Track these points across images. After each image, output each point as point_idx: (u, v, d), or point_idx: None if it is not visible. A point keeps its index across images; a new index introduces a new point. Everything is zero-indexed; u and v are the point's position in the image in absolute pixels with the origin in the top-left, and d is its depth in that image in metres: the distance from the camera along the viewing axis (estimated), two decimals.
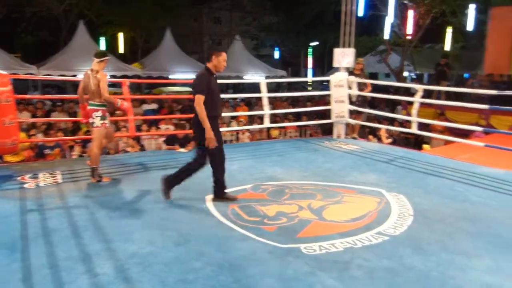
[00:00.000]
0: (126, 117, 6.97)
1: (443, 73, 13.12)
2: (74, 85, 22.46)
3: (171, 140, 7.66)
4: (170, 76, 19.75)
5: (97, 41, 20.18)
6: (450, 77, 14.27)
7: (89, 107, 5.11)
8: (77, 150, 7.93)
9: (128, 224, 3.80)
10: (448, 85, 12.85)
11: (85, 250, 3.25)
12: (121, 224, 3.80)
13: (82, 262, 3.06)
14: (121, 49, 23.47)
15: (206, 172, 5.59)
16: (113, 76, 19.39)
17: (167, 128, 8.95)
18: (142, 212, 4.10)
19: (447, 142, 8.05)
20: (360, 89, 8.03)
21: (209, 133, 4.18)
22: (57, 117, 10.56)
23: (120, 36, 23.29)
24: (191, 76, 21.27)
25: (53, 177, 5.28)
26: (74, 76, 15.92)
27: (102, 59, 5.11)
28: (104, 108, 5.12)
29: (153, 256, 3.17)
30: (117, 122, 9.51)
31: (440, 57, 13.92)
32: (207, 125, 4.17)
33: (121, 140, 8.23)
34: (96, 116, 5.07)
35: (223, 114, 11.65)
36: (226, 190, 4.51)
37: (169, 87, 19.22)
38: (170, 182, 4.47)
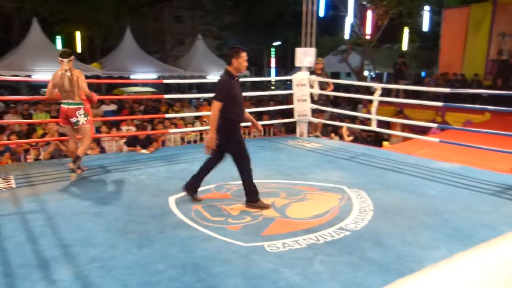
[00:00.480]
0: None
1: (401, 72, 13.55)
2: (29, 86, 21.69)
3: (132, 141, 7.51)
4: (131, 76, 19.36)
5: (52, 40, 19.49)
6: (407, 76, 14.74)
7: (69, 106, 5.13)
8: (32, 153, 7.63)
9: (88, 228, 3.69)
10: (406, 84, 13.26)
11: (41, 256, 3.13)
12: (81, 228, 3.68)
13: (38, 268, 2.94)
14: (78, 48, 22.80)
15: (167, 173, 5.55)
16: None
17: (128, 129, 8.77)
18: (102, 215, 4.00)
19: (406, 139, 8.32)
20: (322, 88, 8.15)
21: (211, 133, 4.17)
22: (10, 120, 10.13)
23: (77, 35, 22.63)
24: (152, 76, 20.98)
25: (7, 182, 5.06)
26: (29, 76, 15.33)
27: (71, 58, 5.16)
28: (83, 105, 5.23)
29: (115, 259, 3.09)
30: None
31: (398, 57, 14.36)
32: (212, 126, 4.15)
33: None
34: (80, 114, 5.17)
35: (188, 114, 11.59)
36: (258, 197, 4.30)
37: (130, 87, 18.85)
38: (192, 184, 4.43)
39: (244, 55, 4.28)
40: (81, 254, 3.17)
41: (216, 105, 4.12)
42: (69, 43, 23.29)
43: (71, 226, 3.72)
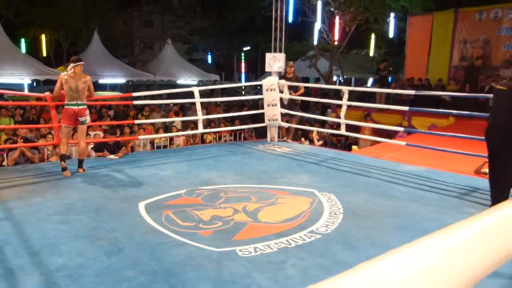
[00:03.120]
0: (50, 124, 6.67)
1: (384, 78, 13.73)
2: None
3: (100, 147, 7.36)
4: (100, 81, 18.99)
5: (17, 43, 18.92)
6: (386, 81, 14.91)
7: (79, 107, 5.61)
8: None
9: (55, 235, 3.58)
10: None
11: (6, 265, 3.02)
12: (48, 235, 3.57)
13: (3, 278, 2.84)
14: (44, 52, 22.21)
15: (137, 178, 5.47)
16: (36, 81, 18.32)
17: (95, 135, 8.59)
18: (70, 222, 3.90)
19: (374, 143, 8.49)
20: (293, 92, 8.22)
21: None
22: None
23: (43, 38, 22.05)
24: (121, 80, 20.64)
25: None
26: None
27: (81, 62, 5.72)
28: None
29: (83, 267, 3.02)
30: (39, 130, 9.01)
31: (380, 62, 14.47)
32: None
33: (45, 148, 7.78)
34: (87, 114, 5.78)
35: (158, 120, 11.45)
36: None
37: (98, 92, 18.47)
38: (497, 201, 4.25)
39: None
40: (48, 262, 3.08)
41: None
42: (34, 46, 22.67)
43: (37, 233, 3.61)
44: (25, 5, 21.06)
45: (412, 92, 8.15)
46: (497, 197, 4.11)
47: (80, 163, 5.80)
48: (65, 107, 5.65)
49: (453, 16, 14.39)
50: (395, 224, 4.03)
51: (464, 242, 0.97)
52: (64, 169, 5.57)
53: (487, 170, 5.91)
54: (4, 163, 7.08)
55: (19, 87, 20.41)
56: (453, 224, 1.06)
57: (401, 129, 7.85)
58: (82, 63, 5.73)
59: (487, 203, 4.70)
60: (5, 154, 7.27)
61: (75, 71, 5.63)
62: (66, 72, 5.72)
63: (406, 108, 7.79)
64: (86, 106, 5.76)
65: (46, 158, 7.61)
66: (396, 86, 15.32)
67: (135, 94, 7.61)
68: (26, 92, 17.87)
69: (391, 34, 18.21)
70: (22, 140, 7.81)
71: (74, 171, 5.75)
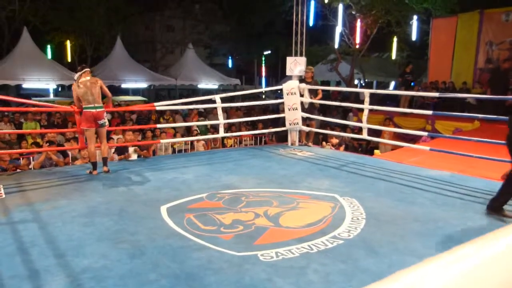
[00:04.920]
0: (75, 128, 6.82)
1: (408, 82, 13.51)
2: (19, 95, 21.54)
3: (122, 150, 7.47)
4: (122, 85, 19.32)
5: (43, 49, 19.41)
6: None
7: (97, 110, 5.82)
8: (22, 162, 7.55)
9: (79, 237, 3.65)
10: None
11: (32, 267, 3.09)
12: (72, 238, 3.64)
13: (29, 279, 2.90)
14: (69, 58, 22.72)
15: (158, 182, 5.52)
16: (61, 86, 18.74)
17: (119, 139, 8.72)
18: (94, 224, 3.96)
19: (396, 147, 8.37)
20: (314, 97, 8.19)
21: None
22: (1, 129, 10.03)
23: (68, 44, 22.56)
24: (142, 85, 20.92)
25: None
26: (19, 85, 15.27)
27: (86, 69, 5.91)
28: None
29: (107, 269, 3.06)
30: (64, 134, 9.21)
31: (405, 65, 14.28)
32: None
33: (70, 152, 7.94)
34: (105, 116, 5.99)
35: (179, 125, 11.57)
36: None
37: (120, 96, 18.78)
38: (497, 201, 4.39)
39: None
40: (73, 264, 3.13)
41: None
42: (60, 52, 23.21)
43: (62, 235, 3.68)
44: (51, 12, 21.59)
45: (436, 94, 7.98)
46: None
47: (105, 161, 6.02)
48: (84, 110, 5.83)
49: (478, 17, 14.11)
50: (418, 230, 3.96)
51: (501, 253, 0.94)
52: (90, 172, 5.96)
53: None
54: (31, 166, 7.26)
55: (45, 92, 20.94)
56: (490, 233, 1.02)
57: (425, 133, 7.72)
58: (88, 69, 5.95)
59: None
60: (31, 158, 7.46)
61: (84, 77, 5.82)
62: (76, 82, 5.91)
63: (429, 112, 7.66)
64: (103, 109, 5.94)
65: (70, 161, 7.77)
66: (419, 89, 15.09)
67: (156, 104, 7.41)
68: (51, 96, 18.28)
69: (413, 37, 17.97)
70: (47, 144, 7.99)
71: (99, 171, 5.93)
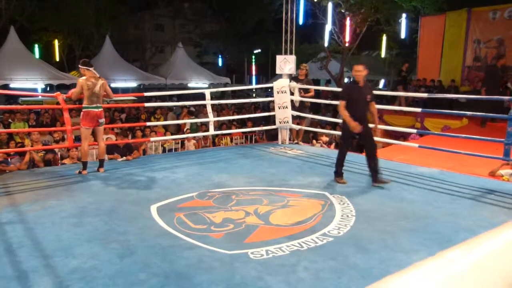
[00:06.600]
0: (63, 127, 6.76)
1: (406, 78, 13.58)
2: (6, 95, 21.26)
3: (111, 150, 7.41)
4: (112, 85, 19.16)
5: (31, 48, 19.19)
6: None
7: (99, 110, 5.88)
8: (12, 162, 7.44)
9: (68, 238, 3.62)
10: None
11: (20, 268, 3.05)
12: (61, 238, 3.61)
13: (17, 280, 2.87)
14: (57, 57, 22.50)
15: (148, 181, 5.50)
16: (49, 85, 18.56)
17: (108, 138, 8.65)
18: (83, 225, 3.93)
19: (386, 145, 8.42)
20: (304, 94, 8.20)
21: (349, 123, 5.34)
22: None
23: (56, 43, 22.34)
24: (132, 84, 20.79)
25: None
26: (6, 84, 15.08)
27: (92, 67, 5.96)
28: None
29: (96, 270, 3.04)
30: (52, 133, 9.11)
31: (401, 63, 14.34)
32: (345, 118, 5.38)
33: (59, 151, 7.86)
34: (104, 116, 6.09)
35: (169, 122, 11.53)
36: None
37: None
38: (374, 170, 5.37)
39: (355, 66, 5.42)
40: (61, 265, 3.11)
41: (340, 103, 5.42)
42: (47, 51, 22.96)
43: (50, 236, 3.65)
44: (39, 12, 21.35)
45: (425, 95, 8.04)
46: None
47: (101, 162, 6.09)
48: (86, 109, 5.81)
49: (466, 16, 14.23)
50: (408, 226, 3.98)
51: (492, 255, 0.94)
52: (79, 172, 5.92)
53: (502, 172, 5.84)
54: (18, 165, 7.15)
55: (33, 91, 20.69)
56: (481, 235, 1.02)
57: (414, 131, 7.77)
58: (93, 67, 5.99)
59: (502, 205, 4.64)
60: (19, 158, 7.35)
61: (91, 74, 5.85)
62: (84, 77, 5.86)
63: (419, 109, 7.71)
64: (103, 109, 6.02)
65: (59, 160, 7.68)
66: (408, 88, 15.19)
67: (146, 94, 7.80)
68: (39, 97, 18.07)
69: (402, 35, 18.07)
70: (31, 144, 7.90)
71: (92, 171, 5.90)
